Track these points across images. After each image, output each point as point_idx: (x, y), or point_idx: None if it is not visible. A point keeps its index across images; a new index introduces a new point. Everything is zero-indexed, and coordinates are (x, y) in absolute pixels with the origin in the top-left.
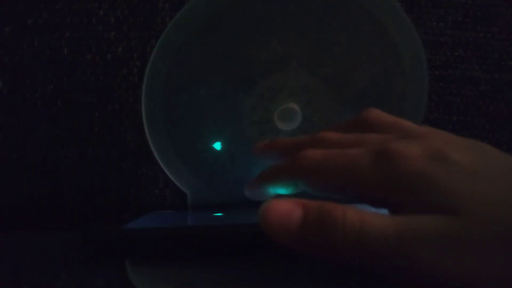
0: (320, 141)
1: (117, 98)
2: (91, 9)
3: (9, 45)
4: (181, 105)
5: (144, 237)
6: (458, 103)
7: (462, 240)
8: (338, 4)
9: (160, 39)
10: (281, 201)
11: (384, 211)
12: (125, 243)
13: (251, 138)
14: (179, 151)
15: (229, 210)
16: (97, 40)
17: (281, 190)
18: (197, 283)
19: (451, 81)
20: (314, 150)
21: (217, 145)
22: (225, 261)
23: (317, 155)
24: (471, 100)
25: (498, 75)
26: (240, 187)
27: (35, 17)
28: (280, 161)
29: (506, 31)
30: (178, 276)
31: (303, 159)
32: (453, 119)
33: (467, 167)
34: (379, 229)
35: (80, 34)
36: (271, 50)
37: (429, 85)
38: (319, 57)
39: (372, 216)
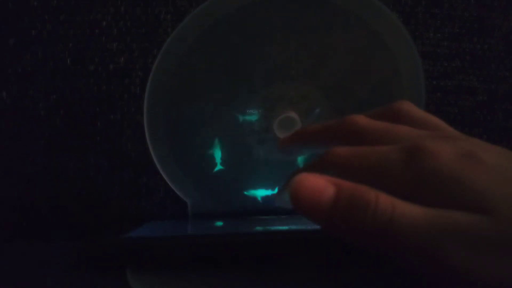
0: (348, 125)
1: (119, 108)
2: (94, 21)
3: (13, 56)
4: (182, 115)
5: (145, 246)
6: (456, 114)
7: (492, 239)
8: (337, 16)
9: (162, 50)
10: (314, 176)
11: None
12: (126, 252)
13: (251, 147)
14: (179, 160)
15: (229, 219)
16: (100, 51)
17: None
18: None
19: (449, 92)
20: (343, 146)
21: (218, 155)
22: (224, 270)
23: (346, 151)
24: (468, 110)
25: (495, 85)
26: (240, 196)
27: (39, 28)
28: (309, 149)
29: (502, 42)
30: (178, 284)
31: (332, 155)
32: None
33: (498, 169)
34: (410, 218)
35: (83, 45)
36: (271, 61)
37: (426, 96)
38: (318, 68)
39: (404, 204)
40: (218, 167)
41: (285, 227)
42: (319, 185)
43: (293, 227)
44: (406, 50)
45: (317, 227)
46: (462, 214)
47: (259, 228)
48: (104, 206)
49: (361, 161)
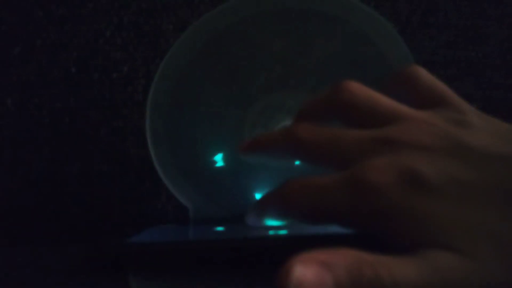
0: (289, 139)
1: (122, 115)
2: (98, 30)
3: (18, 64)
4: (184, 122)
5: (146, 251)
6: None
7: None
8: (335, 27)
9: (164, 59)
10: (304, 268)
11: None
12: (128, 257)
13: None
14: (181, 166)
15: (231, 224)
16: (104, 60)
17: (274, 221)
18: None
19: None
20: (296, 180)
21: (218, 161)
22: (226, 276)
23: (296, 188)
24: None
25: (490, 92)
26: (241, 201)
27: (44, 37)
28: (267, 158)
29: (497, 50)
30: None
31: (283, 194)
32: None
33: (446, 191)
34: (409, 281)
35: (87, 54)
36: (270, 70)
37: None
38: (317, 77)
39: (396, 266)
40: (220, 172)
41: (286, 232)
42: (315, 276)
43: (295, 232)
44: (402, 58)
45: (318, 232)
46: (444, 258)
47: (260, 233)
48: (106, 211)
49: (310, 200)
